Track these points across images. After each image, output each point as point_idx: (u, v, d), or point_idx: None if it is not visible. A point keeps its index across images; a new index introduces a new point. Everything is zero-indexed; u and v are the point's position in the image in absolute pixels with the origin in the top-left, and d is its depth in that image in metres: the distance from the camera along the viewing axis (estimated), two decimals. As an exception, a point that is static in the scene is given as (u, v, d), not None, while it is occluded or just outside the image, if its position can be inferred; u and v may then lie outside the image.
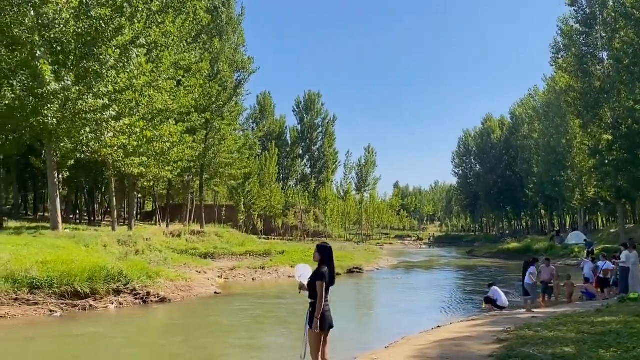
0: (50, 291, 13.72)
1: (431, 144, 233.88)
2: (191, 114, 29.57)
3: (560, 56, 41.49)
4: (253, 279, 23.06)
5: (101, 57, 20.21)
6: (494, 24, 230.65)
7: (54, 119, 20.10)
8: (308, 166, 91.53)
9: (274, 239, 58.99)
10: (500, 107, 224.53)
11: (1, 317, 12.52)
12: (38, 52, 19.19)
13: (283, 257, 29.06)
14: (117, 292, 15.11)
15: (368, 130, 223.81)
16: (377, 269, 30.98)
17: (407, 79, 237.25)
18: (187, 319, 14.21)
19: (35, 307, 13.25)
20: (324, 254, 6.28)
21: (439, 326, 11.99)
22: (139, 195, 43.39)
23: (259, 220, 64.79)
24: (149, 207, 68.34)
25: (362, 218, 77.53)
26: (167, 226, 38.50)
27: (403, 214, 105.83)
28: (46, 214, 41.98)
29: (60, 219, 22.05)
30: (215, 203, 65.10)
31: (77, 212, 51.74)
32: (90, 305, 14.16)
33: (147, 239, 25.83)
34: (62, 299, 13.82)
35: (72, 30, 20.33)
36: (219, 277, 23.00)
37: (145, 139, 23.15)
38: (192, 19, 29.48)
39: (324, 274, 6.09)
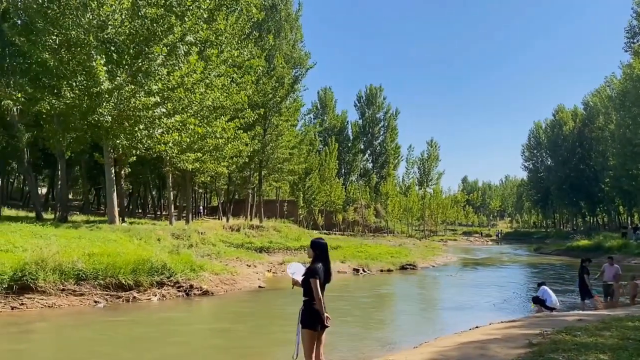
0: (96, 282, 14.18)
1: (502, 137, 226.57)
2: (244, 110, 29.88)
3: (635, 41, 38.75)
4: (301, 274, 22.96)
5: (150, 55, 20.75)
6: (565, 10, 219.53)
7: (109, 117, 20.89)
8: (369, 161, 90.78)
9: (335, 234, 58.86)
10: (573, 98, 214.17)
11: (49, 306, 13.09)
12: (93, 52, 19.98)
13: (336, 252, 28.83)
14: (161, 284, 15.44)
15: (437, 125, 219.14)
16: (433, 266, 30.12)
17: (476, 71, 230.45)
18: (237, 309, 14.47)
19: (80, 298, 13.76)
20: (317, 250, 6.03)
21: (477, 327, 11.39)
22: (200, 191, 44.64)
23: (320, 215, 64.94)
24: (215, 202, 70.19)
25: (425, 213, 75.84)
26: (228, 220, 39.30)
27: (468, 210, 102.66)
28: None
29: (116, 213, 22.94)
30: (277, 198, 65.88)
31: (147, 206, 53.98)
32: (134, 297, 14.54)
33: (201, 233, 26.40)
34: (106, 291, 14.27)
35: (126, 31, 21.06)
36: (267, 271, 23.14)
37: (196, 135, 23.60)
38: (244, 17, 29.76)
39: (317, 270, 5.83)
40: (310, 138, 59.04)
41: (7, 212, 27.29)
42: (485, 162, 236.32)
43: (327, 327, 5.95)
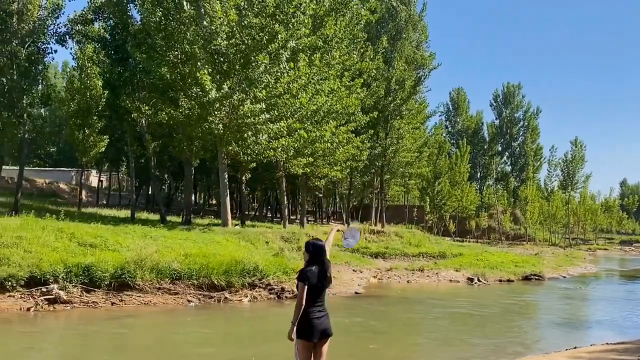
0: (190, 282, 14.77)
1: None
2: (356, 114, 29.65)
3: None
4: (408, 281, 22.04)
5: (254, 64, 21.36)
6: None
7: (219, 125, 21.91)
8: (508, 164, 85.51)
9: (469, 241, 56.22)
10: None
11: (145, 304, 13.90)
12: (199, 63, 21.11)
13: (454, 260, 27.38)
14: (252, 286, 15.66)
15: (586, 121, 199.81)
16: (564, 277, 27.16)
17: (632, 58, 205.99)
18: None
19: (174, 297, 14.43)
20: (312, 252, 5.49)
21: (575, 347, 9.91)
22: (320, 195, 45.44)
23: (451, 221, 62.40)
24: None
25: (570, 220, 69.27)
26: (348, 225, 39.42)
27: (623, 216, 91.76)
28: (248, 213, 46.33)
29: (229, 217, 23.98)
30: (406, 203, 64.64)
31: (282, 210, 56.12)
32: (225, 298, 14.91)
33: (311, 237, 26.60)
34: (199, 290, 14.80)
35: (236, 42, 21.93)
36: (374, 277, 22.60)
37: (302, 140, 23.79)
38: (355, 20, 29.58)
39: (306, 273, 5.30)
40: (439, 140, 57.18)
41: (143, 215, 29.91)
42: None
43: (329, 336, 5.38)
